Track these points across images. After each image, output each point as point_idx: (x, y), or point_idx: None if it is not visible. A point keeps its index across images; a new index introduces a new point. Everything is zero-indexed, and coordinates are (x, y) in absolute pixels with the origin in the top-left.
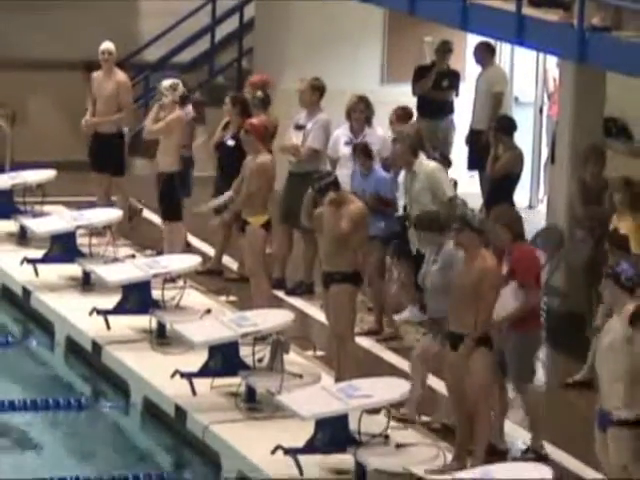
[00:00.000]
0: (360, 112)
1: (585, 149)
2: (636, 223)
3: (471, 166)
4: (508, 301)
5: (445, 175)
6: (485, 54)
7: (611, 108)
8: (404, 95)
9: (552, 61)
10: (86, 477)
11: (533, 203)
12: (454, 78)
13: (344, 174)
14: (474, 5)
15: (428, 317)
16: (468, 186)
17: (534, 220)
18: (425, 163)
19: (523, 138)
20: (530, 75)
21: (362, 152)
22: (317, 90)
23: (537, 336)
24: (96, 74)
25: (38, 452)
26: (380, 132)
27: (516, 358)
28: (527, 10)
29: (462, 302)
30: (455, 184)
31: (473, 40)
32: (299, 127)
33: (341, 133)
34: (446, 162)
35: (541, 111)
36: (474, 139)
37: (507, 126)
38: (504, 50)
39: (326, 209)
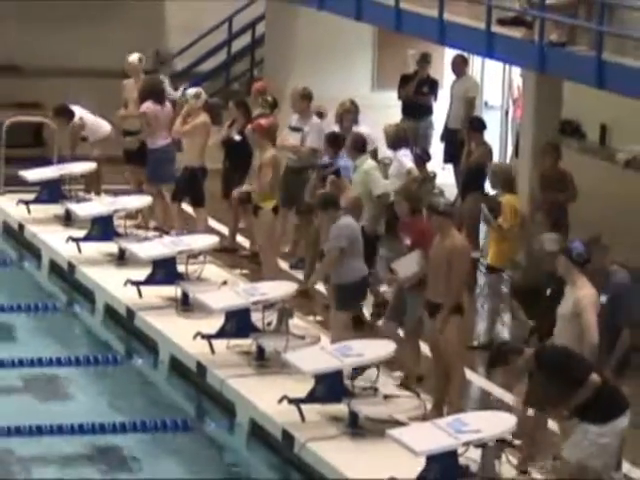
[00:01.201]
0: (352, 113)
1: (544, 146)
2: (507, 201)
3: (446, 160)
4: (411, 265)
5: (378, 175)
6: (460, 65)
7: (567, 111)
8: (391, 100)
9: (516, 71)
10: (121, 422)
11: None
12: (433, 85)
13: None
14: (450, 23)
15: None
16: (444, 177)
17: None
18: (367, 162)
19: (492, 136)
20: (497, 83)
21: (329, 140)
22: (306, 98)
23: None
24: (126, 81)
25: (80, 401)
26: (365, 130)
27: (414, 312)
28: (495, 28)
29: (436, 275)
30: (434, 175)
31: (450, 53)
32: (295, 129)
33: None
34: (426, 156)
35: (507, 114)
36: (449, 137)
37: (478, 125)
38: (476, 62)
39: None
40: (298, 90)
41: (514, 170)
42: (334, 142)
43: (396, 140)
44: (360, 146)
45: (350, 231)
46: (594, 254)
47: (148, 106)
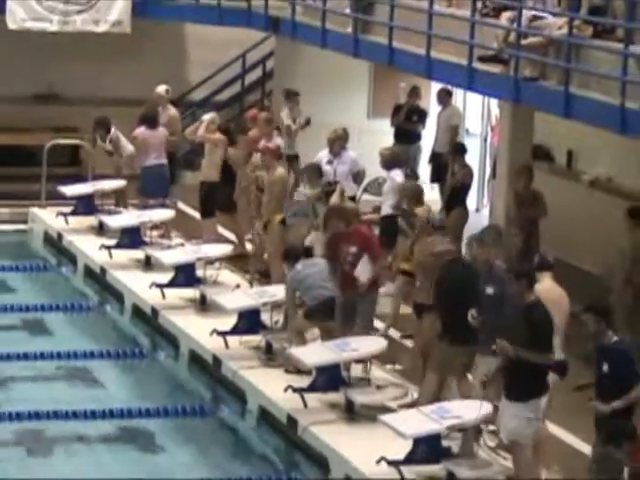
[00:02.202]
0: (342, 140)
1: (518, 168)
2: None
3: (433, 180)
4: (366, 270)
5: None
6: (444, 97)
7: (538, 138)
8: (384, 126)
9: (494, 102)
10: (146, 408)
11: (479, 207)
12: (422, 114)
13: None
14: (437, 60)
15: None
16: (431, 195)
17: (480, 220)
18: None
19: (472, 160)
20: (478, 113)
21: (265, 153)
22: (269, 122)
23: (376, 294)
24: (159, 107)
25: (110, 389)
26: (352, 154)
27: (366, 311)
28: (476, 64)
29: (426, 280)
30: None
31: (436, 86)
32: None
33: (323, 155)
34: (415, 176)
35: (486, 140)
36: (435, 159)
37: (460, 149)
38: (459, 94)
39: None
40: (262, 116)
41: (420, 187)
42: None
43: (390, 162)
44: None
45: (291, 279)
46: (479, 250)
47: (141, 131)
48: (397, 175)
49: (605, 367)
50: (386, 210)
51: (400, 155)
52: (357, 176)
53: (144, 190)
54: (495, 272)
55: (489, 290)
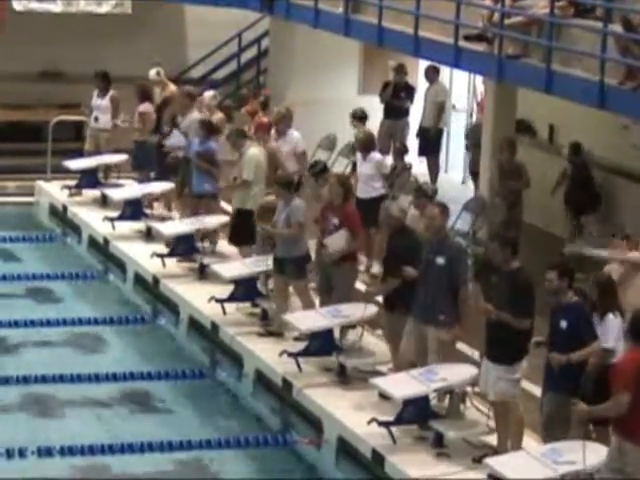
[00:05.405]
0: (286, 118)
1: (502, 141)
2: None
3: (420, 153)
4: (340, 241)
5: (255, 161)
6: (432, 74)
7: (520, 113)
8: (374, 102)
9: (479, 79)
10: (147, 371)
11: (465, 179)
12: (410, 91)
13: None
14: (424, 39)
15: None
16: (419, 167)
17: (466, 192)
18: (250, 149)
19: (459, 134)
20: (463, 89)
21: (204, 127)
22: (189, 96)
23: (355, 268)
24: (156, 89)
25: (113, 353)
26: (296, 134)
27: (342, 284)
28: (462, 43)
29: None
30: (410, 166)
31: (423, 64)
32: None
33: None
34: (404, 149)
35: (471, 115)
36: (423, 134)
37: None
38: (445, 71)
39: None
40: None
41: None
42: (205, 127)
43: (367, 145)
44: (244, 136)
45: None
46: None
47: (146, 107)
48: (379, 157)
49: (564, 324)
50: (378, 192)
51: (374, 138)
52: (302, 156)
53: (136, 163)
54: (447, 242)
55: (439, 260)
